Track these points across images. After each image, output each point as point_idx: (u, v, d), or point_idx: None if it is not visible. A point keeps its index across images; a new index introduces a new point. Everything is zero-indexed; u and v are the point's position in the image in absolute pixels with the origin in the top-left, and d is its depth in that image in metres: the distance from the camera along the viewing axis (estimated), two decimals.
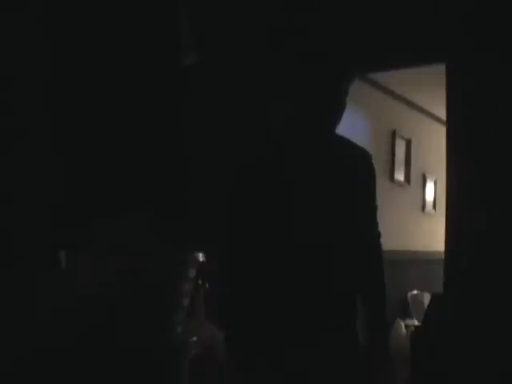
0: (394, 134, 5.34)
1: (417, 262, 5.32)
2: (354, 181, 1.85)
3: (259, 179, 1.81)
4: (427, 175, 5.88)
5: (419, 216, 5.80)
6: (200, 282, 3.04)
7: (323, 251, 1.78)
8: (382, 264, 1.91)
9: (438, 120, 5.69)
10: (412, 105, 5.64)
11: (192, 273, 2.82)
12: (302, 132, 1.84)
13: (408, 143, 5.54)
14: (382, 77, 4.74)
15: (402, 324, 4.85)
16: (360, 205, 1.86)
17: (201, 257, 2.89)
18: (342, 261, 1.82)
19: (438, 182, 5.83)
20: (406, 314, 5.14)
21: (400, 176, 5.42)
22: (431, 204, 5.98)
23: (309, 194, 1.79)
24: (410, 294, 5.27)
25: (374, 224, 1.93)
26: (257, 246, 1.79)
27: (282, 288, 1.77)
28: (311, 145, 1.84)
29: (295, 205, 1.77)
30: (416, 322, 4.75)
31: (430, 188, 5.96)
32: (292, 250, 1.77)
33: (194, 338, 2.91)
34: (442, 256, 3.12)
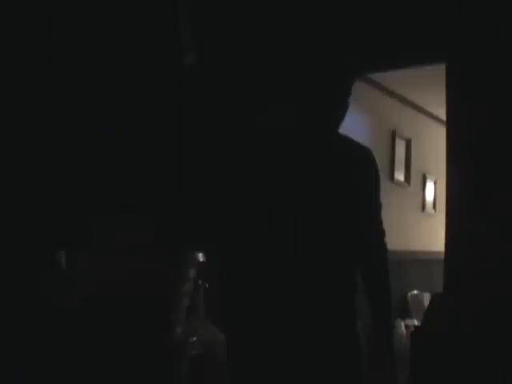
0: (393, 134, 5.34)
1: (417, 262, 5.32)
2: (357, 179, 1.86)
3: (262, 179, 1.81)
4: (427, 175, 5.88)
5: (419, 216, 5.79)
6: (200, 281, 3.04)
7: (326, 250, 1.78)
8: (386, 263, 1.90)
9: (438, 120, 5.68)
10: (412, 105, 5.63)
11: (192, 273, 2.82)
12: (305, 131, 1.84)
13: (408, 143, 5.54)
14: (382, 77, 4.73)
15: (402, 324, 4.85)
16: (364, 203, 1.87)
17: (201, 257, 2.89)
18: (346, 259, 1.82)
19: (437, 182, 5.83)
20: (406, 314, 5.14)
21: (400, 176, 5.42)
22: (431, 204, 5.97)
23: (312, 193, 1.79)
24: (409, 294, 5.27)
25: (378, 222, 1.93)
26: (259, 246, 1.79)
27: (283, 288, 1.77)
28: (314, 144, 1.84)
29: (298, 204, 1.78)
30: (416, 322, 4.74)
31: (430, 188, 5.96)
32: (294, 250, 1.77)
33: (194, 338, 2.91)
34: (442, 256, 3.12)
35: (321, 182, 1.80)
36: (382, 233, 1.93)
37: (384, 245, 1.93)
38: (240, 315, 1.82)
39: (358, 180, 1.86)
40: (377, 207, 1.93)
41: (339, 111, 1.82)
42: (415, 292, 5.31)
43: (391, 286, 1.89)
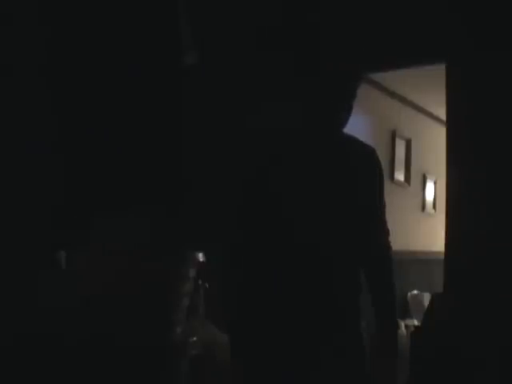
0: (393, 134, 5.34)
1: (417, 262, 5.32)
2: (361, 178, 1.86)
3: (266, 179, 1.80)
4: (427, 175, 5.88)
5: (419, 216, 5.80)
6: (200, 281, 3.04)
7: (330, 249, 1.78)
8: (390, 262, 1.90)
9: (438, 120, 5.69)
10: (412, 105, 5.64)
11: (192, 273, 2.82)
12: (309, 132, 1.84)
13: (408, 143, 5.55)
14: (382, 77, 4.74)
15: (402, 324, 4.84)
16: (368, 202, 1.87)
17: (201, 257, 2.89)
18: (350, 259, 1.82)
19: (437, 182, 5.83)
20: (406, 314, 5.14)
21: (400, 176, 5.42)
22: (431, 204, 5.98)
23: (316, 192, 1.78)
24: (409, 294, 5.27)
25: (382, 221, 1.93)
26: (262, 246, 1.79)
27: (286, 288, 1.77)
28: (318, 144, 1.84)
29: (302, 203, 1.77)
30: (416, 322, 4.74)
31: (430, 188, 5.96)
32: (298, 249, 1.77)
33: (194, 338, 2.91)
34: (442, 256, 3.12)
35: (324, 181, 1.80)
36: (386, 232, 1.93)
37: (388, 244, 1.92)
38: (243, 315, 1.81)
39: (362, 179, 1.86)
40: (381, 206, 1.93)
41: (344, 113, 1.83)
42: (415, 292, 5.31)
43: (395, 286, 1.89)
